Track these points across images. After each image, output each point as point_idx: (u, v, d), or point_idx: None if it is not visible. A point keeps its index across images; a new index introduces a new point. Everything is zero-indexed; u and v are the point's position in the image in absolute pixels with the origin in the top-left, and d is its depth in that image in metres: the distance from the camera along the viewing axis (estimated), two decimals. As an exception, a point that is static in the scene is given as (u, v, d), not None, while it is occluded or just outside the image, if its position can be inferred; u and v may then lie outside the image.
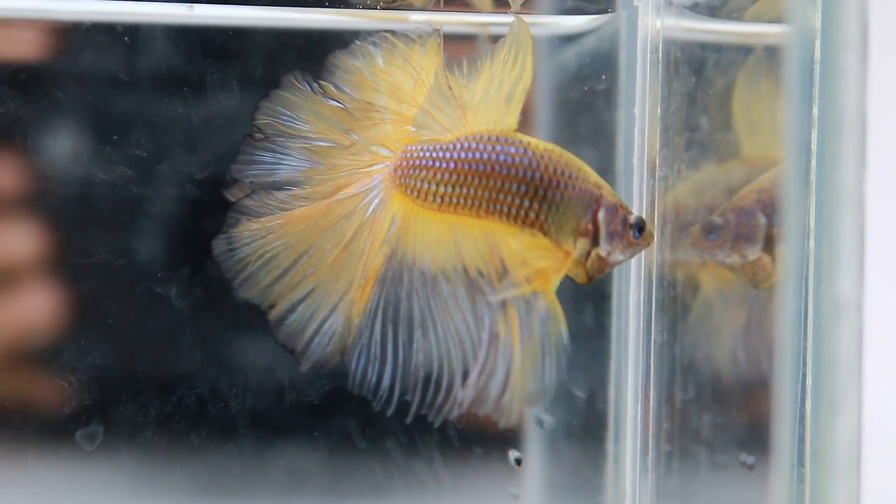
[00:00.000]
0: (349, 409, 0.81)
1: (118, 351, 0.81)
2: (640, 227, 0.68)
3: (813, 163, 0.59)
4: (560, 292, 0.68)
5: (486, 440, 0.82)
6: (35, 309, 0.80)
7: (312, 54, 0.79)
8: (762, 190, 0.68)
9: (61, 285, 0.80)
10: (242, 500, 0.82)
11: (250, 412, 0.81)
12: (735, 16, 0.68)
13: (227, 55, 0.79)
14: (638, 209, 0.76)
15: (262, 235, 0.67)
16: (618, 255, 0.69)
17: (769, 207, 0.67)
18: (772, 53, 0.63)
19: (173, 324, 0.80)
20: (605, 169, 0.77)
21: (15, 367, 0.81)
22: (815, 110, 0.58)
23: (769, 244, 0.68)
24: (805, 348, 0.58)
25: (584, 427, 0.81)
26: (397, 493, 0.82)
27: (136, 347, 0.81)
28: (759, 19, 0.66)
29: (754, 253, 0.68)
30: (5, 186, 0.80)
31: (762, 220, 0.68)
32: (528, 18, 0.67)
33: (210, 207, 0.80)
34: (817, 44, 0.58)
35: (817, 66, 0.58)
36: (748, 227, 0.68)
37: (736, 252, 0.69)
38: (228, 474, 0.82)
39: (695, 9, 0.71)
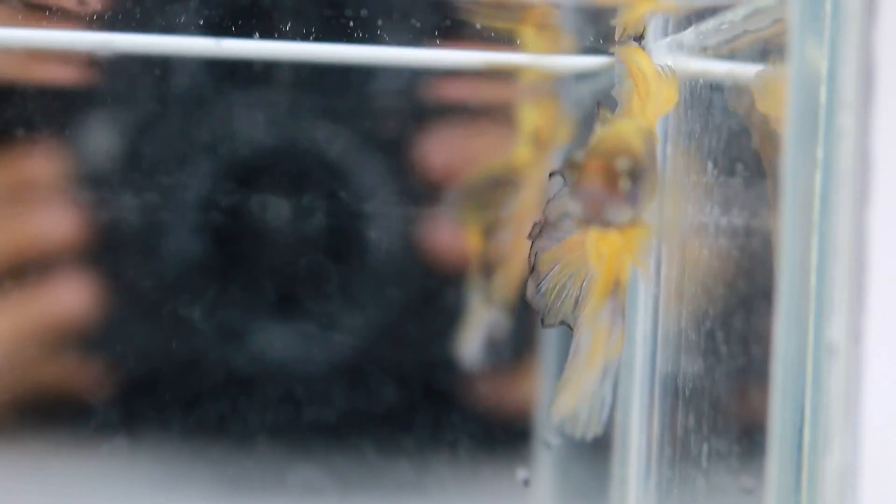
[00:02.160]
0: (363, 428, 0.83)
1: (145, 368, 0.83)
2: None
3: (817, 203, 0.59)
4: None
5: (495, 460, 0.83)
6: (67, 314, 0.82)
7: (337, 86, 0.81)
8: None
9: (91, 300, 0.82)
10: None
11: (269, 428, 0.82)
12: (742, 59, 0.68)
13: (253, 87, 0.81)
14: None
15: (552, 268, 0.67)
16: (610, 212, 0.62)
17: None
18: (775, 93, 0.63)
19: (197, 344, 0.82)
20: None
21: (48, 377, 0.83)
22: (820, 152, 0.58)
23: None
24: (804, 381, 0.59)
25: (591, 450, 0.82)
26: (408, 509, 0.83)
27: (162, 365, 0.83)
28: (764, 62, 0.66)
29: None
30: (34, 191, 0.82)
31: None
32: (546, 58, 0.68)
33: (233, 233, 0.81)
34: (822, 88, 0.58)
35: (822, 110, 0.58)
36: None
37: None
38: (246, 486, 0.83)
39: (705, 52, 0.71)
